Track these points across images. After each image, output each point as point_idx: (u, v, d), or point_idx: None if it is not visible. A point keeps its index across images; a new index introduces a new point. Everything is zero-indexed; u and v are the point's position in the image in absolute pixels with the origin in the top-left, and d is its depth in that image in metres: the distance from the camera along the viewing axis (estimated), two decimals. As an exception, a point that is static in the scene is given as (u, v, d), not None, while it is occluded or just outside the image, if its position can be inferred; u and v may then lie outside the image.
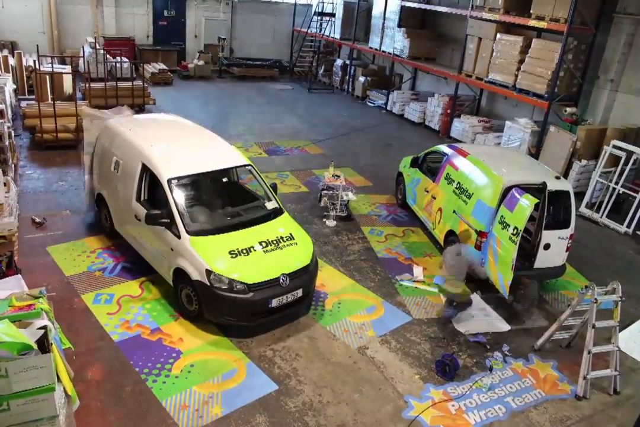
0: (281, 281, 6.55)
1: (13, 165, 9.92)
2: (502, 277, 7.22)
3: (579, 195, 10.70)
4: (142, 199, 7.40)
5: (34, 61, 13.20)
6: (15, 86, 14.70)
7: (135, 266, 7.80)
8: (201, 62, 21.28)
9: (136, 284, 7.47)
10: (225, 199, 7.73)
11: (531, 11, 12.92)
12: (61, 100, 13.35)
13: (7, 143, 9.45)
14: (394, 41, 18.05)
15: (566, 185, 7.99)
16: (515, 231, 6.99)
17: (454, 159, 8.96)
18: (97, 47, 17.21)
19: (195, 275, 6.44)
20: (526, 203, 6.96)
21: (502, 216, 7.32)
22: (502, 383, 6.33)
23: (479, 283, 7.89)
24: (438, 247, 9.20)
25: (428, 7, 17.23)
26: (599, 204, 11.14)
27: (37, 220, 8.81)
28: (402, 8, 17.72)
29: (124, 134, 7.96)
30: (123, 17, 21.06)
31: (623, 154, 10.78)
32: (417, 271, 8.47)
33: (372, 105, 19.66)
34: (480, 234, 7.73)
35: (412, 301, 7.76)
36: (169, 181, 6.98)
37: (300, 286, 6.73)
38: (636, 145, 10.91)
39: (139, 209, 7.28)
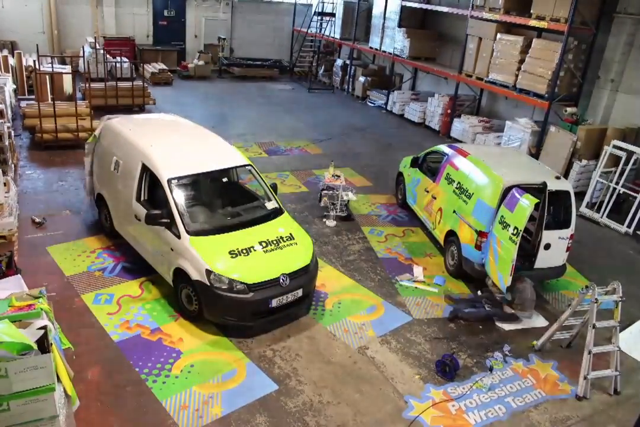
0: (281, 281, 6.54)
1: (13, 165, 9.92)
2: (502, 277, 7.21)
3: (579, 195, 10.68)
4: (142, 199, 7.39)
5: (34, 61, 13.18)
6: (15, 86, 14.69)
7: (135, 266, 7.80)
8: (201, 62, 21.26)
9: (136, 284, 7.46)
10: (225, 199, 7.72)
11: (531, 11, 12.91)
12: (61, 100, 13.34)
13: (7, 143, 9.45)
14: (394, 41, 18.04)
15: (566, 185, 7.98)
16: (516, 231, 6.98)
17: (454, 159, 8.95)
18: (97, 47, 17.21)
19: (195, 275, 6.43)
20: (526, 203, 6.95)
21: (502, 216, 7.31)
22: (503, 383, 6.32)
23: (479, 283, 7.91)
24: (438, 247, 9.20)
25: (428, 7, 17.21)
26: (600, 204, 11.13)
27: (37, 220, 8.80)
28: (403, 8, 17.71)
29: (123, 134, 7.97)
30: (123, 17, 21.05)
31: (623, 154, 10.77)
32: (417, 271, 8.46)
33: (372, 105, 19.65)
34: (480, 234, 7.73)
35: (412, 301, 7.75)
36: (169, 181, 6.98)
37: (300, 286, 6.72)
38: (636, 145, 10.90)
39: (139, 209, 7.27)
